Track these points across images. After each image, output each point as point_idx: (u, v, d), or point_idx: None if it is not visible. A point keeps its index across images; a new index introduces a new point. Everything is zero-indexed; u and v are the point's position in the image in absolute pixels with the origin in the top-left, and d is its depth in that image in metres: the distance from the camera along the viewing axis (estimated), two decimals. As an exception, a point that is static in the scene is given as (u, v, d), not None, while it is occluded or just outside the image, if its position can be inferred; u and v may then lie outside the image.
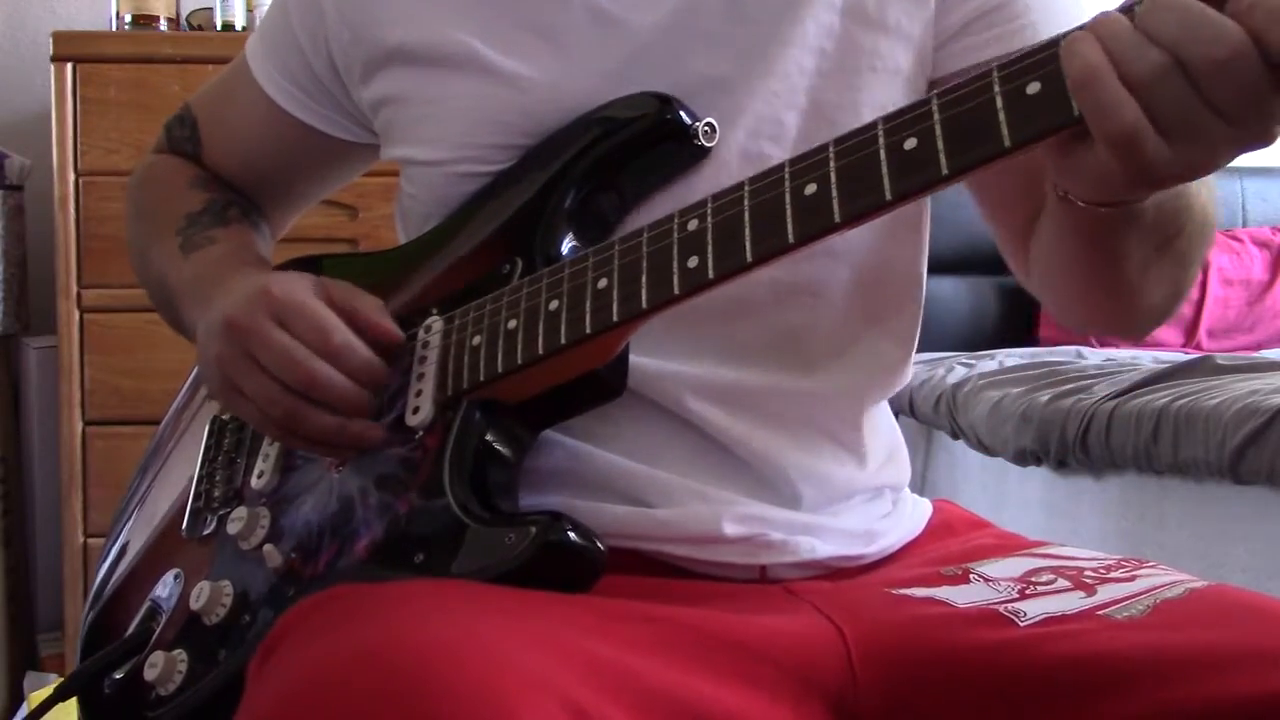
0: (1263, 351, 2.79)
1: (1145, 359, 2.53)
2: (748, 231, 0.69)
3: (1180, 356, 2.52)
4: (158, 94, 2.24)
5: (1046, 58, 0.61)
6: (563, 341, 0.76)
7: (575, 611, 0.69)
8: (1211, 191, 0.78)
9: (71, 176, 2.25)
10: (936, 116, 0.64)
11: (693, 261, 0.71)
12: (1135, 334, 0.87)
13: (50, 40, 2.27)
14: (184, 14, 2.53)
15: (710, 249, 0.71)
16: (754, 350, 0.84)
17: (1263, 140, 0.59)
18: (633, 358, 0.80)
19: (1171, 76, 0.58)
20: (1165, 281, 0.80)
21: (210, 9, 2.51)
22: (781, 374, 0.85)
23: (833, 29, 0.83)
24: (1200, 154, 0.60)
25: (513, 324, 0.79)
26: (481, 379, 0.80)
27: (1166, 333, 2.94)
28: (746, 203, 0.70)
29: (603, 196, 0.84)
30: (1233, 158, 0.61)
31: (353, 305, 0.83)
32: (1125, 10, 0.60)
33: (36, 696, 2.15)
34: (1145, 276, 0.78)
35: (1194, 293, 2.94)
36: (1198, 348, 2.87)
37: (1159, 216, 0.72)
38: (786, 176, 0.69)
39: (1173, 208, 0.73)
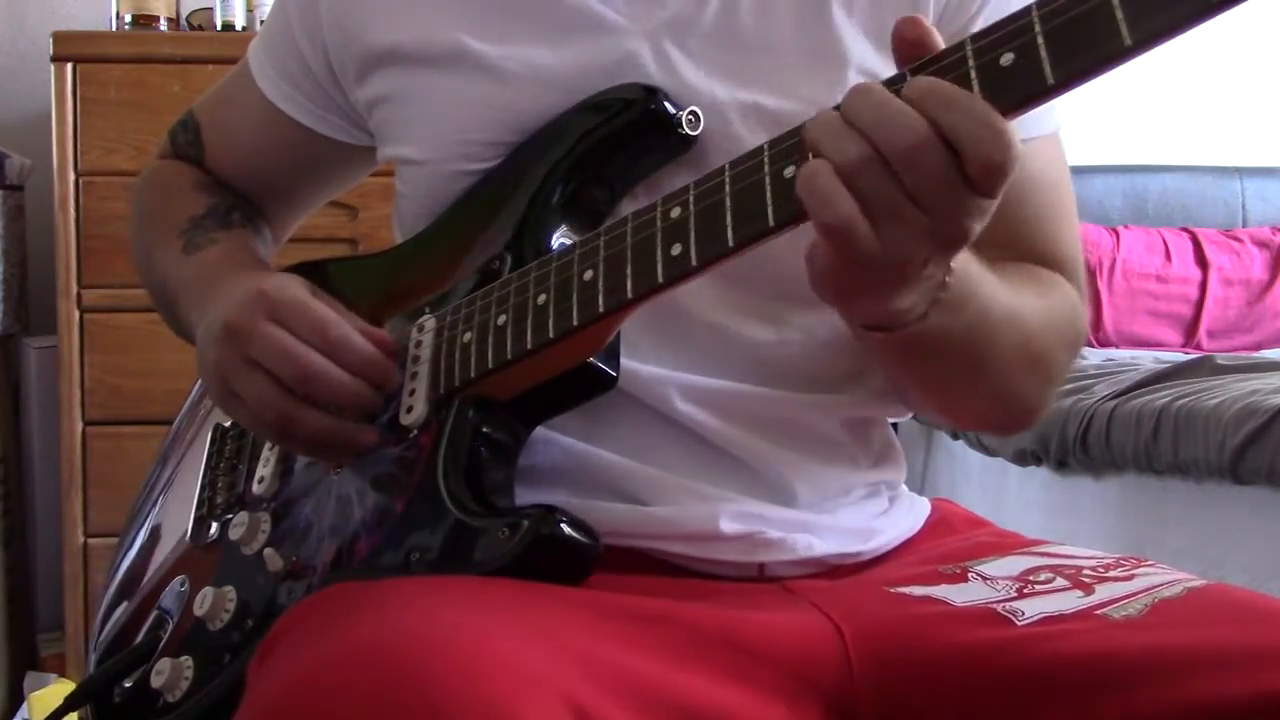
0: (1263, 351, 2.79)
1: (1145, 359, 2.53)
2: (729, 217, 0.69)
3: (1180, 356, 2.53)
4: (158, 94, 2.24)
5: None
6: (551, 335, 0.76)
7: (574, 609, 0.69)
8: (1042, 334, 0.82)
9: (71, 176, 2.25)
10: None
11: (676, 249, 0.71)
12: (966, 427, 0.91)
13: (50, 40, 2.26)
14: (184, 14, 2.53)
15: (693, 236, 0.70)
16: (742, 370, 0.85)
17: (959, 235, 0.63)
18: (623, 361, 0.80)
19: (873, 164, 0.61)
20: (983, 403, 0.84)
21: (210, 9, 2.51)
22: (770, 390, 0.85)
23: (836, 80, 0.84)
24: (903, 245, 0.62)
25: (502, 319, 0.79)
26: (473, 375, 0.80)
27: (1166, 333, 2.94)
28: (727, 188, 0.69)
29: (591, 188, 0.85)
30: (935, 254, 0.64)
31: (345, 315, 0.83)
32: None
33: (37, 697, 2.16)
34: (957, 392, 0.83)
35: (1194, 293, 2.94)
36: (1198, 348, 2.87)
37: (946, 344, 0.74)
38: (766, 160, 0.68)
39: (961, 336, 0.75)
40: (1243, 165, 3.19)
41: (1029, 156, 0.83)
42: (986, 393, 0.83)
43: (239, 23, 2.49)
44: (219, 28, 2.49)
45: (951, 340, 0.75)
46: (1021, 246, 0.87)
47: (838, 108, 0.63)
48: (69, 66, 2.24)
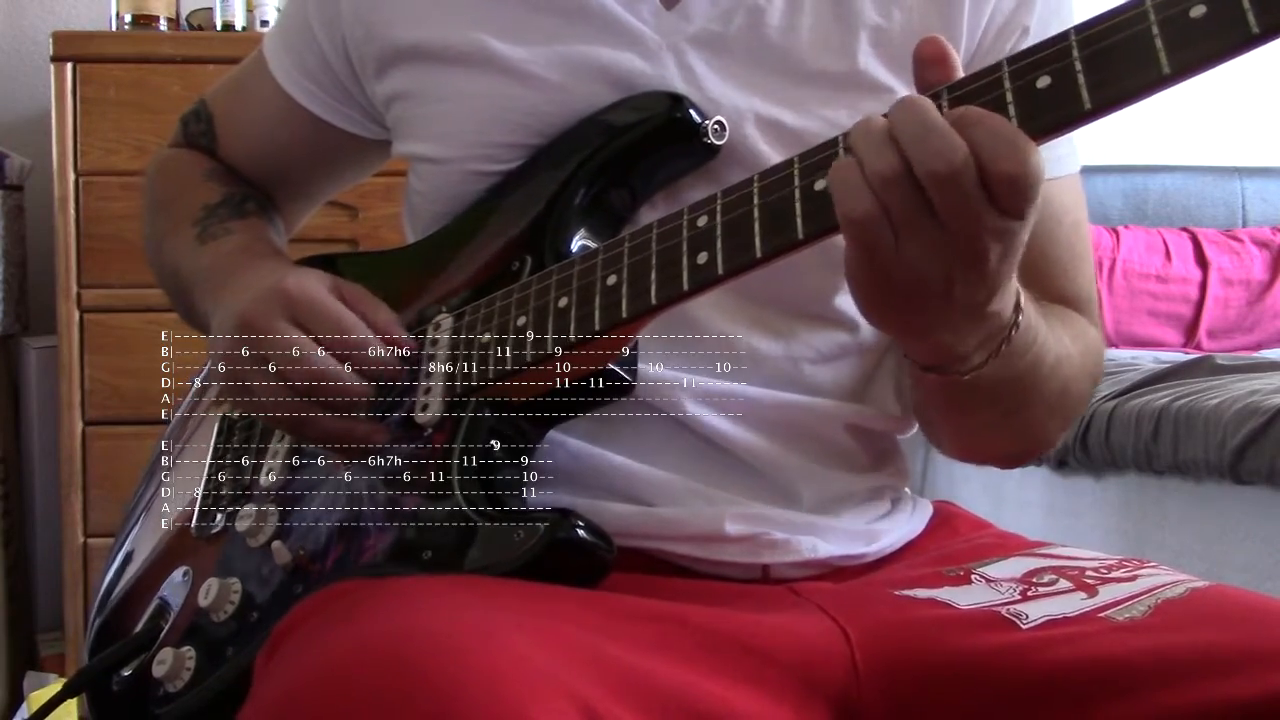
0: (1263, 351, 2.79)
1: (1145, 359, 2.53)
2: (757, 227, 0.69)
3: (1180, 356, 2.53)
4: (158, 94, 2.24)
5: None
6: (573, 339, 0.76)
7: (583, 609, 0.69)
8: (1077, 380, 0.84)
9: (71, 176, 2.25)
10: (944, 111, 0.64)
11: (702, 257, 0.71)
12: (981, 464, 0.95)
13: (50, 40, 2.27)
14: (184, 14, 2.52)
15: (720, 245, 0.71)
16: (749, 376, 0.85)
17: (976, 252, 0.63)
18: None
19: (904, 177, 0.62)
20: (1009, 443, 0.87)
21: (210, 9, 2.51)
22: (777, 394, 0.85)
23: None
24: (923, 259, 0.64)
25: (522, 321, 0.79)
26: (491, 378, 0.80)
27: (1166, 333, 2.94)
28: (756, 199, 0.70)
29: (612, 194, 0.85)
30: (954, 271, 0.64)
31: (365, 311, 0.83)
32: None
33: (37, 696, 2.16)
34: (989, 434, 0.85)
35: (1194, 293, 2.94)
36: (1198, 348, 2.88)
37: (995, 390, 0.76)
38: (796, 173, 0.69)
39: (1012, 383, 0.77)
40: (1243, 165, 3.18)
41: (1054, 195, 0.85)
42: (1016, 435, 0.85)
43: (239, 23, 2.49)
44: (219, 28, 2.49)
45: (1001, 388, 0.76)
46: (1047, 286, 0.88)
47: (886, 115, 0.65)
48: (69, 66, 2.24)
